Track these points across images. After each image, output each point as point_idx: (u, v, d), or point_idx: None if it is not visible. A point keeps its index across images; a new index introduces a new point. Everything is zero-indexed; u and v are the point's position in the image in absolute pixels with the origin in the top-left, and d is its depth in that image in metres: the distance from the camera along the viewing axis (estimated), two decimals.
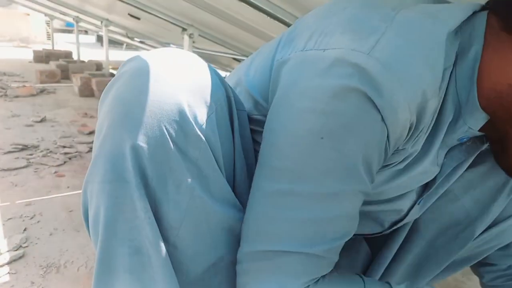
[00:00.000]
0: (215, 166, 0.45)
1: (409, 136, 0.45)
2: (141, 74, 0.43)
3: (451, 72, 0.45)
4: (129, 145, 0.40)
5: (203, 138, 0.43)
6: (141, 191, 0.41)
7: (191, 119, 0.42)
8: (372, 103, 0.40)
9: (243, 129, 0.52)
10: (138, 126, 0.41)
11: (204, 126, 0.43)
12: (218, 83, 0.47)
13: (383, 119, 0.40)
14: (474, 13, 0.46)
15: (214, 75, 0.47)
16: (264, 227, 0.46)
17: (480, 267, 0.73)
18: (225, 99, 0.47)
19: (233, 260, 0.49)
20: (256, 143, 0.54)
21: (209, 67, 0.48)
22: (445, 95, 0.46)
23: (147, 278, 0.42)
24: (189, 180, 0.43)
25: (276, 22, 1.43)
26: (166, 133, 0.41)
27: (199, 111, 0.43)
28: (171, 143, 0.41)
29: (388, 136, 0.42)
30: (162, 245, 0.43)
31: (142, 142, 0.41)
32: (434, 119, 0.46)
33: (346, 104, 0.40)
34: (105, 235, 0.42)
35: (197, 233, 0.45)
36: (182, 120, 0.42)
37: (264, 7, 1.30)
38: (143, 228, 0.42)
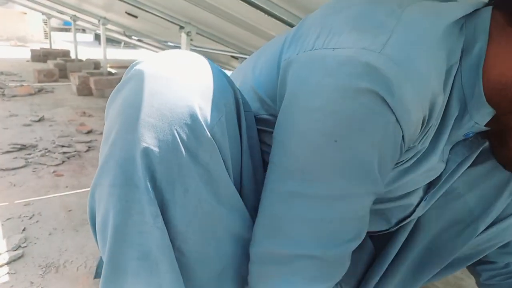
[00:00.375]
0: (224, 170, 0.45)
1: (420, 132, 0.45)
2: (152, 77, 0.42)
3: (457, 68, 0.45)
4: (140, 148, 0.40)
5: (214, 141, 0.43)
6: (150, 195, 0.41)
7: (202, 123, 0.42)
8: (385, 103, 0.39)
9: (250, 130, 0.51)
10: (149, 130, 0.40)
11: (214, 129, 0.42)
12: (227, 85, 0.47)
13: (397, 120, 0.40)
14: (477, 10, 0.46)
15: (223, 77, 0.47)
16: (277, 227, 0.45)
17: (478, 265, 0.73)
18: (234, 101, 0.47)
19: (236, 269, 0.49)
20: (263, 143, 0.54)
21: (218, 68, 0.48)
22: (451, 91, 0.46)
23: (154, 284, 0.42)
24: (198, 184, 0.42)
25: (275, 20, 1.42)
26: (178, 137, 0.41)
27: (210, 114, 0.42)
28: (182, 147, 0.41)
29: (403, 137, 0.42)
30: (171, 251, 0.43)
31: (153, 145, 0.40)
32: (441, 115, 0.47)
33: (358, 104, 0.39)
34: (114, 238, 0.42)
35: (203, 239, 0.45)
36: (193, 124, 0.41)
37: (263, 5, 1.29)
38: (152, 234, 0.41)
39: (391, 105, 0.39)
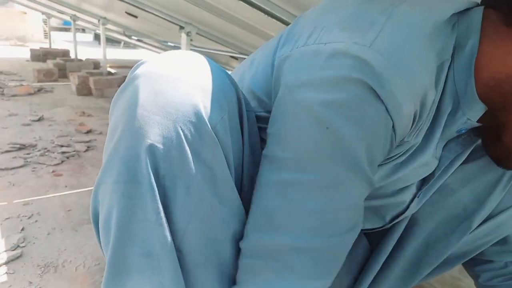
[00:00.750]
0: (226, 169, 0.45)
1: (412, 127, 0.45)
2: (156, 76, 0.43)
3: (449, 65, 0.46)
4: (145, 145, 0.41)
5: (217, 139, 0.43)
6: (153, 192, 0.41)
7: (206, 120, 0.42)
8: (375, 94, 0.40)
9: (252, 129, 0.52)
10: (154, 127, 0.41)
11: (217, 128, 0.43)
12: (229, 84, 0.47)
13: (387, 110, 0.41)
14: (469, 9, 0.47)
15: (225, 76, 0.48)
16: (270, 219, 0.45)
17: (476, 265, 0.73)
18: (236, 100, 0.47)
19: (232, 270, 0.49)
20: (262, 141, 0.54)
21: (220, 68, 0.48)
22: (443, 88, 0.47)
23: (156, 281, 0.42)
24: (200, 182, 0.43)
25: (274, 20, 1.42)
26: (182, 134, 0.41)
27: (214, 113, 0.43)
28: (186, 144, 0.41)
29: (394, 127, 0.42)
30: (173, 249, 0.43)
31: (157, 142, 0.41)
32: (433, 111, 0.47)
33: (349, 94, 0.40)
34: (117, 235, 0.42)
35: (202, 239, 0.45)
36: (198, 122, 0.42)
37: (262, 6, 1.30)
38: (155, 230, 0.42)
39: (381, 96, 0.40)
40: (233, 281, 0.49)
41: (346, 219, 0.46)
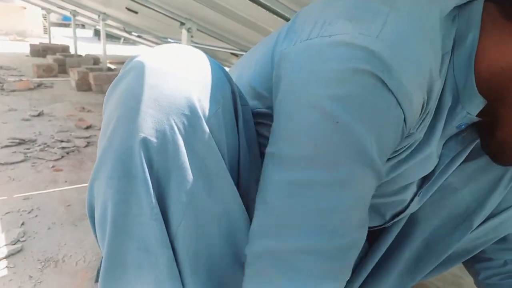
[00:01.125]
0: (221, 164, 0.44)
1: (420, 117, 0.44)
2: (149, 70, 0.42)
3: (449, 59, 0.45)
4: (138, 139, 0.40)
5: (211, 133, 0.42)
6: (147, 187, 0.41)
7: (200, 114, 0.42)
8: (384, 85, 0.39)
9: (248, 124, 0.51)
10: (147, 120, 0.40)
11: (211, 121, 0.42)
12: (224, 78, 0.47)
13: (398, 103, 0.39)
14: (469, 2, 0.47)
15: (220, 70, 0.47)
16: (278, 219, 0.43)
17: (476, 263, 0.73)
18: (230, 95, 0.47)
19: (224, 270, 0.48)
20: (261, 136, 0.54)
21: (215, 62, 0.48)
22: (444, 81, 0.46)
23: (153, 276, 0.42)
24: (193, 176, 0.42)
25: (275, 17, 1.42)
26: (175, 127, 0.41)
27: (208, 106, 0.42)
28: (179, 137, 0.41)
29: (405, 119, 0.41)
30: (168, 244, 0.42)
31: (150, 136, 0.40)
32: (436, 103, 0.47)
33: (358, 86, 0.39)
34: (113, 230, 0.42)
35: (194, 236, 0.44)
36: (191, 114, 0.41)
37: (264, 2, 1.29)
38: (150, 226, 0.41)
39: (391, 87, 0.39)
40: (222, 280, 0.48)
41: (356, 217, 0.44)
